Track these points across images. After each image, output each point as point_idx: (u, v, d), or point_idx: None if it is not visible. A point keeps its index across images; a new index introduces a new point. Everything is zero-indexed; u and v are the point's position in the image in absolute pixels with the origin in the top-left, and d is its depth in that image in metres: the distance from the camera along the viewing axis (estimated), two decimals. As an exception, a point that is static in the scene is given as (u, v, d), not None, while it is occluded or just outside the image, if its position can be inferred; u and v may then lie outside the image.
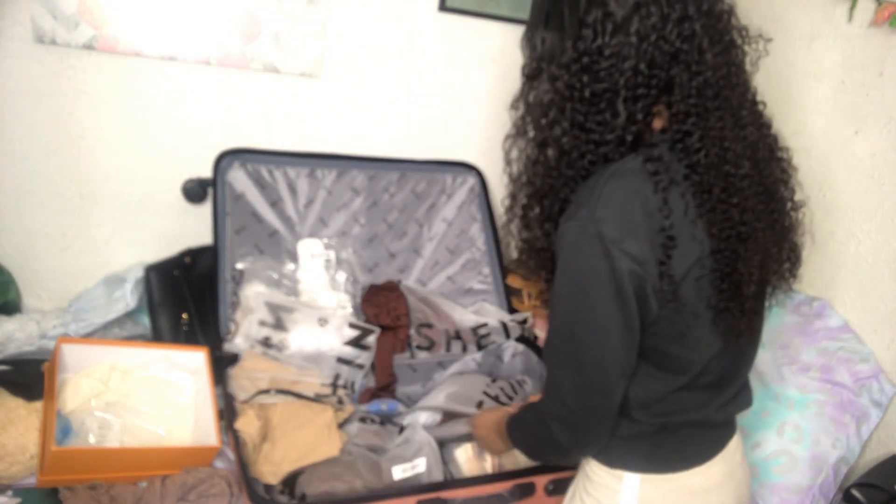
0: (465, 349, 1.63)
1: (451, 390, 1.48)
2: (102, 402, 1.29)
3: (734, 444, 0.94)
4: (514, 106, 0.86)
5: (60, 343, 1.28)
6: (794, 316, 1.51)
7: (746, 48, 0.81)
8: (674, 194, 0.75)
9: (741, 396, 0.93)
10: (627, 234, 0.73)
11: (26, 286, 1.63)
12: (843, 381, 1.37)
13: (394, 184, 1.75)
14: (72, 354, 1.30)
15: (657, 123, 0.80)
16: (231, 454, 1.31)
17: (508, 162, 0.88)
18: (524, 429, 0.98)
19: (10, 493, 1.12)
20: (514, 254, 0.95)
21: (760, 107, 0.85)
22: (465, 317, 1.72)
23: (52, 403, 1.20)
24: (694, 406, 0.87)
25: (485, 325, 1.71)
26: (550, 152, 0.81)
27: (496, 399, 1.47)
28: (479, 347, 1.64)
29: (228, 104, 1.66)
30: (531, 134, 0.84)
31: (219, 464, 1.28)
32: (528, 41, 0.84)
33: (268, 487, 1.22)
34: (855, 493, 1.23)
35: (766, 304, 0.93)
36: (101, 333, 1.52)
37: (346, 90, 1.75)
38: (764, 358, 1.49)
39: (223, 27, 1.58)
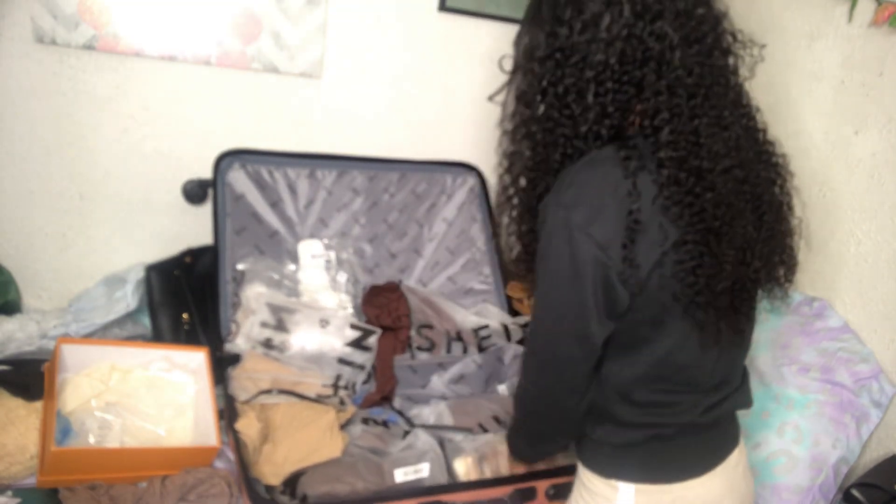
0: (465, 351, 1.63)
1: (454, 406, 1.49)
2: (102, 402, 1.29)
3: (736, 457, 0.92)
4: (490, 98, 0.90)
5: (60, 343, 1.28)
6: (794, 316, 1.51)
7: (740, 52, 0.83)
8: (644, 180, 0.75)
9: (732, 399, 0.91)
10: (594, 218, 0.74)
11: (26, 286, 1.63)
12: (843, 381, 1.37)
13: (394, 184, 1.75)
14: (72, 354, 1.30)
15: (639, 122, 0.80)
16: (231, 454, 1.31)
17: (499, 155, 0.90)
18: (515, 433, 1.07)
19: (10, 493, 1.12)
20: (513, 254, 0.98)
21: (752, 111, 0.85)
22: (466, 318, 1.72)
23: (52, 403, 1.20)
24: (679, 408, 0.86)
25: (486, 326, 1.71)
26: (525, 144, 0.84)
27: (504, 424, 1.46)
28: (480, 349, 1.64)
29: (228, 104, 1.66)
30: (512, 126, 0.86)
31: (219, 464, 1.28)
32: (517, 39, 0.86)
33: (269, 488, 1.22)
34: (855, 493, 1.23)
35: (760, 306, 0.93)
36: (102, 333, 1.52)
37: (346, 90, 1.75)
38: (764, 358, 1.49)
39: (223, 27, 1.58)
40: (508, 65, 0.88)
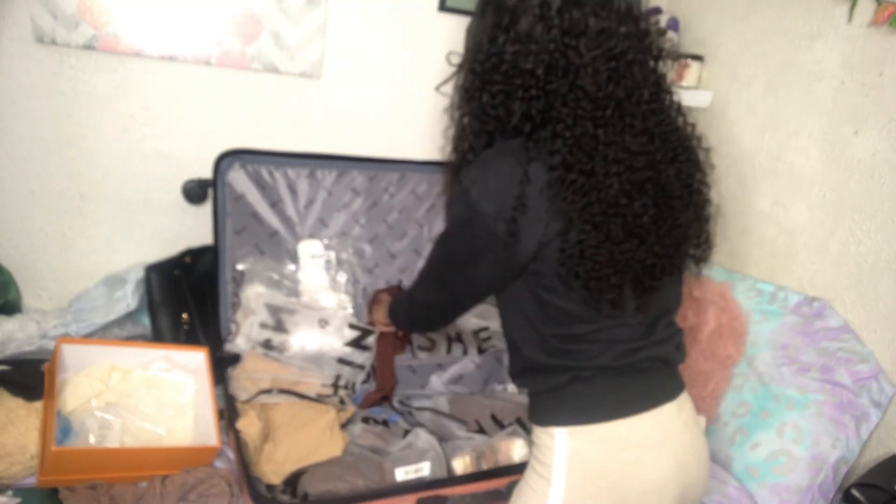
0: (465, 352, 1.63)
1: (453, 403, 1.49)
2: (102, 402, 1.29)
3: (672, 409, 0.96)
4: (437, 88, 1.04)
5: (60, 343, 1.28)
6: (793, 316, 1.51)
7: (661, 65, 0.91)
8: (536, 169, 0.85)
9: (650, 350, 0.96)
10: (488, 196, 0.87)
11: (26, 286, 1.63)
12: (842, 381, 1.37)
13: (394, 184, 1.75)
14: (72, 354, 1.30)
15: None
16: (231, 454, 1.31)
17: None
18: (395, 307, 1.28)
19: (10, 493, 1.12)
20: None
21: (670, 118, 0.92)
22: (467, 320, 1.72)
23: (52, 403, 1.20)
24: (590, 354, 0.93)
25: (486, 328, 1.71)
26: (463, 132, 0.97)
27: (500, 423, 1.47)
28: (480, 351, 1.64)
29: (228, 104, 1.66)
30: (453, 113, 0.99)
31: (219, 464, 1.28)
32: (466, 32, 0.96)
33: (270, 487, 1.23)
34: (855, 493, 1.23)
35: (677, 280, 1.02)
36: (101, 333, 1.52)
37: (346, 90, 1.75)
38: (764, 358, 1.50)
39: (223, 27, 1.58)
40: (456, 59, 0.98)
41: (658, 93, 0.90)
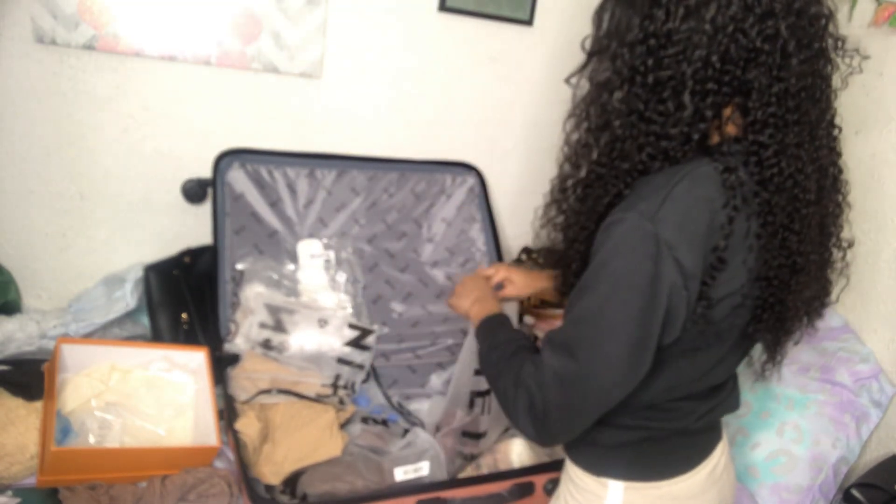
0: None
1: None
2: (102, 402, 1.29)
3: (719, 450, 0.93)
4: (567, 80, 0.81)
5: (60, 343, 1.28)
6: (794, 316, 1.51)
7: (838, 61, 0.75)
8: (741, 215, 0.70)
9: (723, 405, 0.92)
10: (685, 242, 0.68)
11: (26, 286, 1.63)
12: (843, 381, 1.38)
13: (393, 184, 1.75)
14: (72, 354, 1.30)
15: (731, 129, 0.74)
16: (231, 454, 1.31)
17: (568, 144, 0.81)
18: (493, 360, 0.89)
19: (10, 493, 1.12)
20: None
21: (836, 130, 0.79)
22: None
23: (52, 403, 1.20)
24: (675, 415, 0.86)
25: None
26: (602, 137, 0.76)
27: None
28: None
29: (228, 104, 1.66)
30: (584, 114, 0.79)
31: (219, 464, 1.28)
32: (598, 14, 0.77)
33: (269, 487, 1.23)
34: (855, 493, 1.23)
35: None
36: (101, 333, 1.52)
37: (346, 90, 1.75)
38: (764, 358, 1.50)
39: (223, 27, 1.58)
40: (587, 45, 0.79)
41: (832, 96, 0.75)
